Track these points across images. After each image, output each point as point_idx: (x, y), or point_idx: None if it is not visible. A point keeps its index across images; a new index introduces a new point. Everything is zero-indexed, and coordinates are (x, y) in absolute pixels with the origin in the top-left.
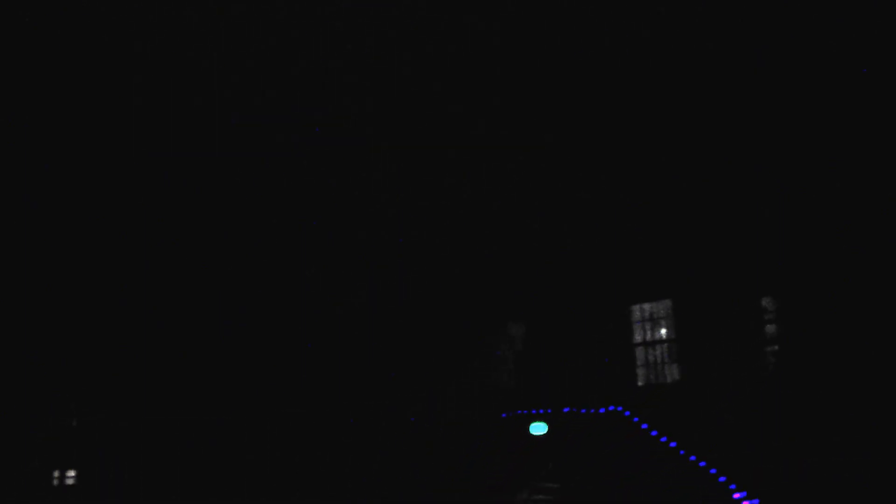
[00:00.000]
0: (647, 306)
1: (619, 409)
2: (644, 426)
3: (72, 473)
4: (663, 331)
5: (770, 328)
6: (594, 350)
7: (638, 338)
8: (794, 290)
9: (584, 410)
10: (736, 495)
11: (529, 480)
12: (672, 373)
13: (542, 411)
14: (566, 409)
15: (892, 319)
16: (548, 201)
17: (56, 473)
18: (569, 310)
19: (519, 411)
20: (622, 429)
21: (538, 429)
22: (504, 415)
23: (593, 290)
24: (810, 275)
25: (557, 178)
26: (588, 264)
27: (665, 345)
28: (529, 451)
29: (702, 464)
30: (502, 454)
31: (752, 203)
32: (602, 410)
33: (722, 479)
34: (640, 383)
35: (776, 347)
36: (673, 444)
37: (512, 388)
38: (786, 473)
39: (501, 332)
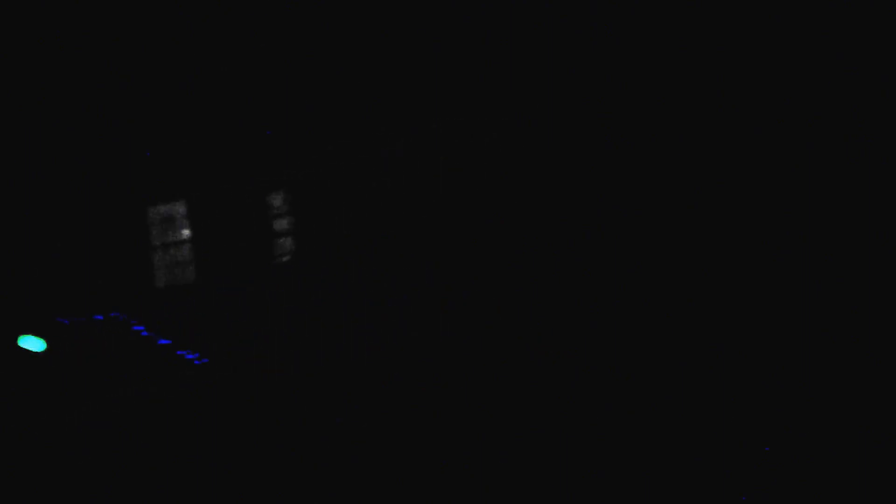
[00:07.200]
0: (163, 208)
1: (122, 315)
2: (149, 335)
3: None
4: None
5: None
6: (97, 255)
7: (156, 241)
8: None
9: (82, 318)
10: None
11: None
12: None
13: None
14: (63, 319)
15: None
16: None
17: None
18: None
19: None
20: (126, 339)
21: (32, 344)
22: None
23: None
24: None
25: None
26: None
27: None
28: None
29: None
30: None
31: None
32: (100, 317)
33: None
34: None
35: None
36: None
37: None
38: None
39: None
